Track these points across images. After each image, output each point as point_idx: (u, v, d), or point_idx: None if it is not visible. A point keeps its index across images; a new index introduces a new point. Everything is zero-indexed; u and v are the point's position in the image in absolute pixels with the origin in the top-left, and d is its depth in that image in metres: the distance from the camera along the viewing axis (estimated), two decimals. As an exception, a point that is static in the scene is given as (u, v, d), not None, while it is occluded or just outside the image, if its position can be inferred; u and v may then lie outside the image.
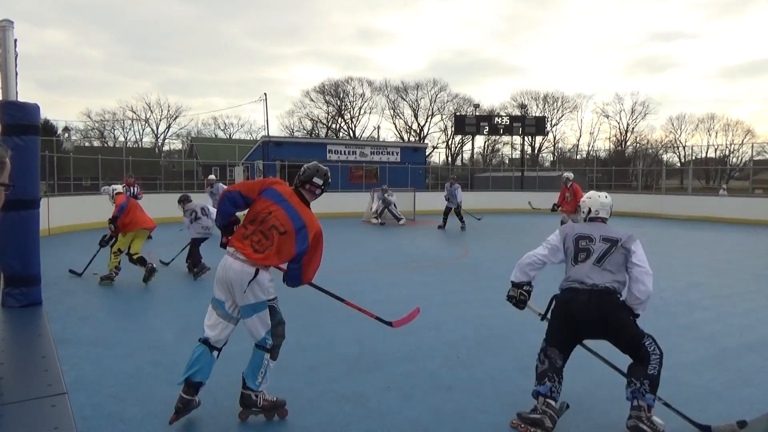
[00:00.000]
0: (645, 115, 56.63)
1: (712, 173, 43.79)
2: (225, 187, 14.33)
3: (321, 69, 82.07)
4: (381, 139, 48.84)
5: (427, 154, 40.52)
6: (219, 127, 59.04)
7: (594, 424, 3.32)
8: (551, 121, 55.04)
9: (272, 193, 3.27)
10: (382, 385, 3.92)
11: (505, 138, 49.58)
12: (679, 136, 55.56)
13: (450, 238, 13.85)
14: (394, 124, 58.40)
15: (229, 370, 3.69)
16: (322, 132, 56.34)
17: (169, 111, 55.46)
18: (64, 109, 78.39)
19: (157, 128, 55.35)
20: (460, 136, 51.23)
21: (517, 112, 49.92)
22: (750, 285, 7.77)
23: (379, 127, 56.83)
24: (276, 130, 53.15)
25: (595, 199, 3.69)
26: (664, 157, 53.06)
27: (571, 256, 3.59)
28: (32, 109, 2.69)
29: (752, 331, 5.39)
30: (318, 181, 3.42)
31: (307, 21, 75.81)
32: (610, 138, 58.41)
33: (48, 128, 35.39)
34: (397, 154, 31.08)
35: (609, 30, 75.29)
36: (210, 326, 3.24)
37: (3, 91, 2.74)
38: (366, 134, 55.77)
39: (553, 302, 3.54)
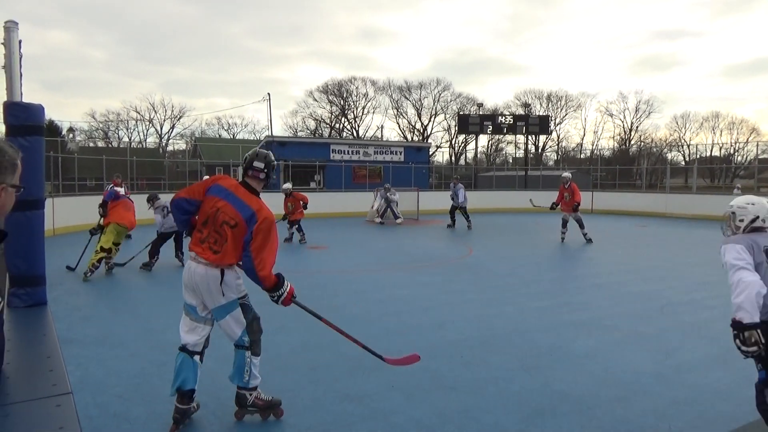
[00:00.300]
0: (649, 113, 56.59)
1: (717, 172, 43.61)
2: None
3: (324, 69, 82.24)
4: (384, 139, 48.84)
5: (430, 153, 40.49)
6: (223, 128, 59.23)
7: (597, 424, 3.31)
8: (555, 120, 54.96)
9: (217, 190, 3.20)
10: (386, 384, 3.92)
11: (509, 137, 49.51)
12: (684, 134, 55.50)
13: (453, 238, 13.84)
14: (398, 123, 58.46)
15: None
16: (326, 132, 56.40)
17: (172, 111, 55.73)
18: (69, 110, 78.78)
19: (161, 128, 55.60)
20: (463, 136, 51.25)
21: (520, 111, 49.92)
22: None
23: (382, 127, 57.10)
24: (279, 130, 53.33)
25: (763, 205, 3.11)
26: (669, 155, 52.93)
27: (766, 271, 2.89)
28: (37, 110, 2.70)
29: (757, 330, 5.36)
30: (258, 164, 3.27)
31: (310, 21, 75.93)
32: (614, 137, 58.36)
33: (53, 129, 35.58)
34: (400, 154, 31.06)
35: (612, 28, 75.18)
36: (186, 332, 3.22)
37: (8, 92, 2.75)
38: (369, 134, 55.86)
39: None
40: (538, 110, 53.95)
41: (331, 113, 57.42)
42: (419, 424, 3.31)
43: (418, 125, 57.30)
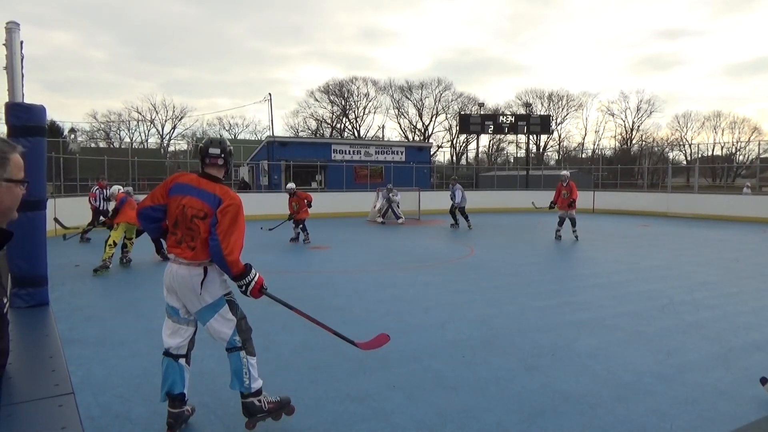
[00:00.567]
0: (651, 113, 56.57)
1: (719, 171, 43.54)
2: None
3: (325, 69, 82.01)
4: (386, 139, 48.88)
5: (431, 153, 40.50)
6: (224, 128, 59.15)
7: (599, 424, 3.31)
8: (556, 119, 54.95)
9: (178, 188, 3.12)
10: (387, 384, 3.92)
11: (510, 137, 49.58)
12: (685, 134, 55.49)
13: (455, 238, 13.84)
14: (399, 123, 58.48)
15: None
16: (327, 132, 56.41)
17: (174, 112, 55.67)
18: (70, 111, 78.64)
19: (163, 129, 55.59)
20: (464, 135, 51.27)
21: (521, 111, 49.83)
22: (757, 284, 7.73)
23: (383, 127, 56.91)
24: (281, 130, 53.36)
25: None
26: (670, 155, 52.88)
27: None
28: (39, 111, 2.70)
29: (759, 329, 5.36)
30: (215, 150, 3.16)
31: (311, 21, 75.90)
32: (615, 136, 58.31)
33: (54, 130, 35.60)
34: (401, 154, 31.04)
35: (613, 28, 75.04)
36: (169, 335, 3.16)
37: (10, 93, 2.76)
38: (371, 134, 55.89)
39: None
40: (540, 110, 53.98)
41: (333, 113, 57.48)
42: (420, 424, 3.31)
43: (420, 125, 57.38)
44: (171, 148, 54.62)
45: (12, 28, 2.76)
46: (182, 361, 3.18)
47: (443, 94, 55.84)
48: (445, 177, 34.94)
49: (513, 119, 31.03)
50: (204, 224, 3.01)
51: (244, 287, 3.09)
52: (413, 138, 55.54)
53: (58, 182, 17.74)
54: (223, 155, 3.18)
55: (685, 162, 49.78)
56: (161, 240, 3.36)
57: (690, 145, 51.69)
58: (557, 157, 57.29)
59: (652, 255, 10.53)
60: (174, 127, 55.85)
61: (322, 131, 56.64)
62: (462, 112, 45.45)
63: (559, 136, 57.73)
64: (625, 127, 57.10)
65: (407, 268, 9.13)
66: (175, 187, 3.13)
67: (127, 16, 68.61)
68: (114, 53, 70.28)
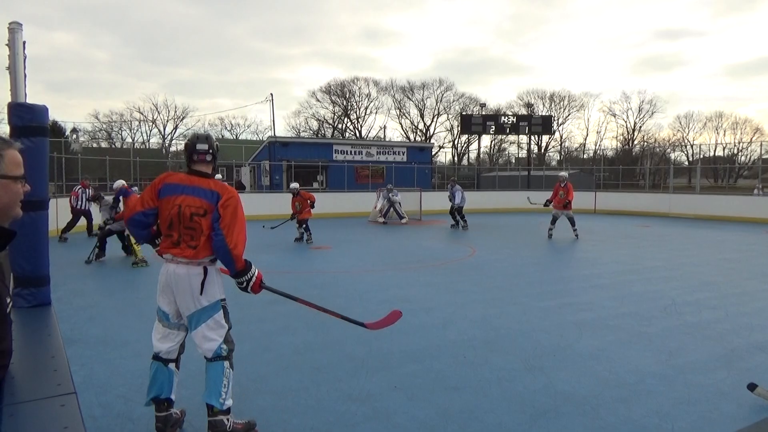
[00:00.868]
0: (652, 113, 56.48)
1: (721, 172, 43.49)
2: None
3: (327, 69, 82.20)
4: (387, 139, 48.84)
5: (433, 153, 40.50)
6: (226, 128, 59.23)
7: (601, 425, 3.30)
8: (558, 120, 54.90)
9: (170, 188, 3.02)
10: (389, 384, 3.92)
11: (512, 137, 49.35)
12: (687, 134, 55.37)
13: (456, 238, 13.83)
14: (400, 123, 58.45)
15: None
16: (329, 132, 56.41)
17: (176, 112, 55.71)
18: (72, 111, 78.74)
19: (164, 129, 55.62)
20: (466, 136, 51.16)
21: (523, 112, 49.90)
22: (759, 284, 7.71)
23: (385, 127, 56.85)
24: (282, 131, 53.32)
25: None
26: (672, 155, 52.84)
27: None
28: (41, 111, 2.70)
29: (761, 330, 5.35)
30: (202, 146, 3.09)
31: (313, 21, 75.97)
32: (617, 137, 58.27)
33: (56, 130, 35.66)
34: (403, 154, 31.06)
35: (615, 28, 75.08)
36: (159, 340, 3.09)
37: (12, 93, 2.76)
38: (372, 134, 55.88)
39: None
40: (541, 110, 53.97)
41: (334, 113, 57.49)
42: (422, 424, 3.30)
43: (421, 125, 57.33)
44: (173, 149, 54.67)
45: (15, 28, 2.77)
46: (172, 365, 3.11)
47: (445, 95, 55.89)
48: (446, 177, 34.92)
49: (514, 120, 31.01)
50: (206, 221, 2.95)
51: (245, 283, 3.04)
52: (415, 138, 55.53)
53: (60, 182, 17.77)
54: (210, 150, 3.11)
55: (686, 163, 49.75)
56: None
57: (692, 146, 51.63)
58: (559, 158, 57.30)
59: (654, 256, 10.52)
60: (176, 128, 55.90)
61: (323, 131, 56.66)
62: (463, 113, 45.43)
63: (561, 137, 57.72)
64: (626, 127, 57.07)
65: (409, 269, 9.12)
66: (165, 189, 3.03)
67: (128, 17, 68.77)
68: (116, 54, 70.45)
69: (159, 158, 40.88)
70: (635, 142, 56.20)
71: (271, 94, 38.41)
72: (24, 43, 2.81)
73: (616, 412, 3.46)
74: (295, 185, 12.87)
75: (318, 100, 56.42)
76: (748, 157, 47.19)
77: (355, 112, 57.45)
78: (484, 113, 35.95)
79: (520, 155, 49.13)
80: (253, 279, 3.05)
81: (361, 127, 57.23)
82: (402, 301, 6.47)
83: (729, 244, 12.60)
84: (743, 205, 19.27)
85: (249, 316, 5.58)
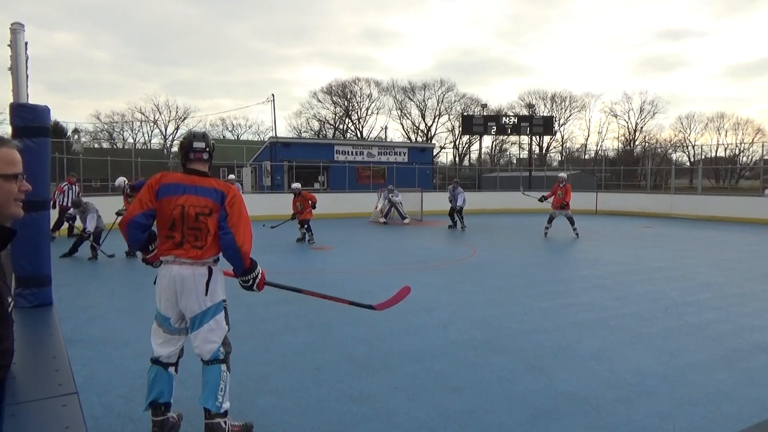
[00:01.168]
0: (654, 114, 56.52)
1: (722, 173, 43.45)
2: (241, 188, 14.63)
3: (328, 70, 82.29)
4: (388, 140, 48.87)
5: (434, 154, 40.47)
6: (227, 129, 59.34)
7: (602, 425, 3.30)
8: (559, 120, 54.90)
9: (169, 188, 2.95)
10: (390, 385, 3.92)
11: (513, 138, 49.52)
12: (689, 135, 55.30)
13: (457, 239, 13.82)
14: (402, 124, 58.52)
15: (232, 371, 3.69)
16: (330, 133, 56.45)
17: (177, 112, 55.90)
18: (74, 111, 79.06)
19: (166, 129, 55.76)
20: (467, 136, 51.15)
21: (524, 112, 49.88)
22: (760, 285, 7.70)
23: (386, 128, 56.88)
24: (283, 131, 53.31)
25: None
26: (673, 156, 52.83)
27: None
28: (43, 111, 2.70)
29: (762, 331, 5.34)
30: (199, 144, 3.04)
31: (314, 22, 76.05)
32: (618, 137, 58.22)
33: (58, 130, 35.69)
34: (404, 155, 31.07)
35: (616, 29, 75.11)
36: (160, 344, 3.04)
37: (14, 94, 2.77)
38: (373, 135, 55.89)
39: None
40: (542, 111, 53.97)
41: (335, 114, 57.55)
42: (423, 424, 3.31)
43: (422, 126, 57.37)
44: (174, 149, 54.75)
45: (17, 29, 2.77)
46: (171, 369, 3.08)
47: (446, 95, 55.92)
48: (448, 178, 34.94)
49: (516, 120, 30.99)
50: (212, 220, 2.92)
51: (251, 281, 3.03)
52: (416, 139, 55.55)
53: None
54: (207, 149, 3.07)
55: (688, 163, 49.73)
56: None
57: (693, 147, 51.61)
58: (560, 159, 57.27)
59: (655, 256, 10.51)
60: (177, 128, 56.00)
61: (324, 132, 56.71)
62: (465, 113, 45.41)
63: (562, 138, 57.76)
64: (628, 128, 57.06)
65: (410, 269, 9.12)
66: (163, 189, 2.95)
67: (129, 17, 68.91)
68: (117, 54, 70.64)
69: (160, 159, 40.94)
70: (636, 143, 56.25)
71: (273, 95, 38.37)
72: (26, 43, 2.82)
73: (617, 413, 3.46)
74: (296, 185, 12.89)
75: (319, 101, 56.56)
76: (750, 157, 47.22)
77: (357, 113, 57.55)
78: (485, 114, 35.96)
79: (521, 156, 49.17)
80: (259, 276, 3.05)
81: (363, 127, 57.34)
82: (403, 301, 6.45)
83: (730, 244, 12.59)
84: (745, 206, 19.24)
85: (250, 316, 5.59)
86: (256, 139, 55.19)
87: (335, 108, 57.09)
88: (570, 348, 4.78)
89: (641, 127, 56.53)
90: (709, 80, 76.23)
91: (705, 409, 3.52)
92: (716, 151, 49.19)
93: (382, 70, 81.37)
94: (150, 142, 55.27)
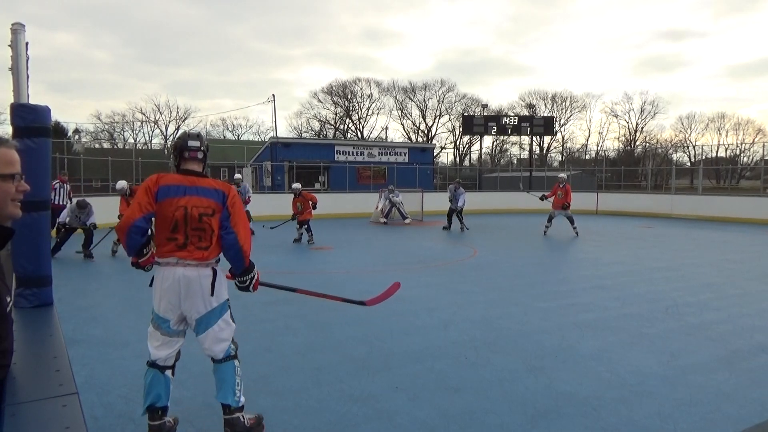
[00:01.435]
0: (654, 114, 56.48)
1: (723, 173, 43.46)
2: (249, 188, 14.57)
3: (328, 70, 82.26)
4: (389, 140, 48.88)
5: (435, 154, 40.48)
6: (227, 129, 59.36)
7: (602, 426, 3.30)
8: (560, 120, 54.88)
9: (170, 190, 2.90)
10: (390, 385, 3.92)
11: (514, 138, 49.45)
12: (689, 135, 55.29)
13: (458, 239, 13.82)
14: (402, 124, 58.51)
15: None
16: (330, 133, 56.45)
17: (177, 113, 55.88)
18: (75, 112, 79.16)
19: (166, 130, 55.76)
20: (468, 137, 51.13)
21: (525, 112, 49.85)
22: (761, 285, 7.70)
23: (387, 128, 56.88)
24: (284, 131, 53.30)
25: None
26: (674, 156, 52.77)
27: None
28: (43, 112, 2.71)
29: (763, 331, 5.34)
30: (194, 143, 3.01)
31: (314, 22, 76.02)
32: (619, 137, 58.22)
33: (58, 130, 35.71)
34: (405, 155, 31.08)
35: (616, 29, 75.03)
36: (157, 347, 2.99)
37: (15, 94, 2.77)
38: (374, 135, 55.89)
39: None
40: (543, 111, 53.94)
41: (336, 114, 57.55)
42: (423, 425, 3.30)
43: (423, 126, 57.36)
44: (174, 149, 54.70)
45: (17, 29, 2.78)
46: (168, 372, 3.04)
47: (446, 96, 55.91)
48: (448, 178, 34.94)
49: (516, 120, 30.97)
50: (215, 221, 2.92)
51: (248, 281, 3.05)
52: (416, 139, 55.55)
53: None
54: (202, 148, 3.05)
55: (689, 164, 49.69)
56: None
57: (694, 147, 51.60)
58: (560, 159, 57.25)
59: (656, 256, 10.50)
60: (178, 128, 55.92)
61: (325, 132, 56.71)
62: (465, 114, 45.37)
63: (563, 138, 57.73)
64: (628, 128, 57.05)
65: (410, 269, 9.12)
66: (163, 190, 2.90)
67: (130, 18, 68.92)
68: (117, 54, 70.63)
69: (161, 159, 40.93)
70: (637, 143, 56.22)
71: (273, 95, 38.39)
72: (27, 43, 2.82)
73: (618, 413, 3.46)
74: (297, 186, 12.88)
75: (320, 101, 56.56)
76: (751, 158, 47.22)
77: (357, 113, 57.54)
78: (485, 114, 35.95)
79: (521, 156, 49.15)
80: (256, 277, 3.07)
81: (363, 127, 57.33)
82: (403, 302, 6.46)
83: (731, 245, 12.58)
84: (745, 206, 19.23)
85: (250, 316, 5.59)
86: (256, 140, 55.20)
87: (336, 108, 57.16)
88: (571, 348, 4.78)
89: (642, 128, 56.59)
90: (709, 80, 76.25)
91: (705, 410, 3.52)
92: (717, 152, 49.20)
93: (382, 71, 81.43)
94: (151, 142, 55.34)
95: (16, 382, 1.48)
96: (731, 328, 5.46)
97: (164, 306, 2.95)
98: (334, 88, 56.14)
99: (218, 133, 58.37)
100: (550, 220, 14.20)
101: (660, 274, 8.51)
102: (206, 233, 2.92)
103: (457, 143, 57.43)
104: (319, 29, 76.90)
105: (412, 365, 4.34)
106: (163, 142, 55.24)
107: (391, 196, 18.12)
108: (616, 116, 57.71)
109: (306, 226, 12.42)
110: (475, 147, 54.44)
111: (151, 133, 55.98)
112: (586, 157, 55.79)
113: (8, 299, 1.50)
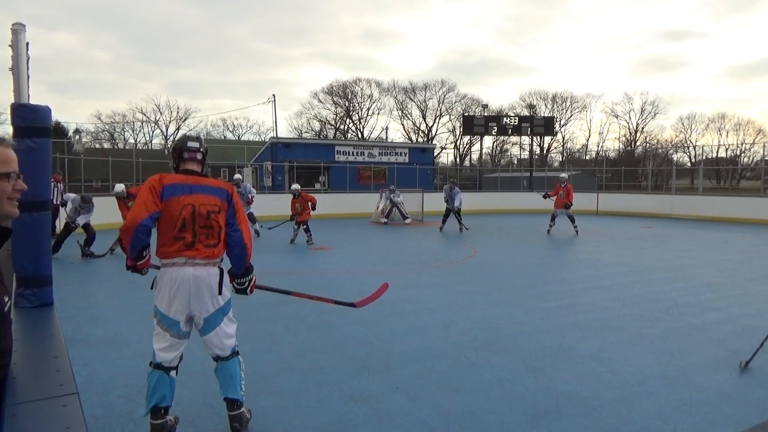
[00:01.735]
0: (655, 114, 56.42)
1: (723, 173, 43.46)
2: (251, 188, 14.54)
3: (329, 70, 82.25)
4: (389, 140, 48.85)
5: (435, 154, 40.48)
6: (228, 129, 59.37)
7: (602, 426, 3.30)
8: (560, 121, 54.83)
9: (176, 188, 2.92)
10: (391, 385, 3.92)
11: (514, 138, 49.45)
12: (690, 135, 55.27)
13: (458, 239, 13.82)
14: (402, 125, 58.47)
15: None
16: (331, 133, 56.45)
17: (178, 113, 55.85)
18: (75, 112, 79.14)
19: (167, 130, 55.75)
20: (468, 137, 51.11)
21: (525, 113, 49.81)
22: (761, 286, 7.69)
23: (387, 128, 56.87)
24: (284, 132, 53.29)
25: None
26: (674, 157, 52.78)
27: None
28: (44, 112, 2.70)
29: (764, 332, 5.31)
30: (193, 144, 3.05)
31: (315, 22, 76.04)
32: (619, 138, 58.19)
33: (59, 130, 35.70)
34: (405, 155, 31.06)
35: (616, 29, 74.99)
36: (164, 349, 2.98)
37: (15, 94, 2.77)
38: (374, 135, 55.87)
39: None
40: (543, 111, 53.89)
41: (336, 114, 57.54)
42: (424, 425, 3.30)
43: (423, 126, 57.36)
44: (175, 149, 54.70)
45: (18, 29, 2.78)
46: (173, 373, 3.05)
47: (447, 96, 55.89)
48: (449, 178, 34.99)
49: (517, 121, 30.97)
50: (222, 218, 2.97)
51: (247, 283, 3.09)
52: (417, 139, 55.54)
53: (63, 183, 17.82)
54: (201, 149, 3.08)
55: (689, 164, 49.68)
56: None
57: (694, 147, 51.60)
58: (561, 159, 57.24)
59: (656, 257, 10.50)
60: (178, 128, 55.98)
61: (325, 132, 56.71)
62: (465, 114, 45.38)
63: (563, 138, 57.68)
64: (629, 128, 57.01)
65: (410, 269, 9.12)
66: (169, 189, 2.90)
67: (130, 18, 68.92)
68: (118, 54, 70.64)
69: (161, 159, 40.92)
70: (637, 144, 56.19)
71: (273, 95, 38.29)
72: (27, 44, 2.82)
73: (618, 414, 3.46)
74: (296, 186, 12.86)
75: (320, 101, 56.55)
76: (751, 158, 47.23)
77: (357, 113, 57.53)
78: (486, 114, 35.92)
79: (522, 156, 49.18)
80: (254, 280, 3.13)
81: (363, 128, 57.31)
82: (404, 302, 6.46)
83: (731, 245, 12.58)
84: (746, 207, 19.22)
85: (251, 317, 5.58)
86: (256, 140, 55.23)
87: (336, 108, 57.16)
88: (571, 348, 4.77)
89: (642, 128, 56.55)
90: (709, 81, 76.21)
91: (706, 410, 3.51)
92: (717, 152, 49.19)
93: (382, 71, 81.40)
94: (151, 142, 55.35)
95: (16, 382, 1.48)
96: (732, 328, 5.46)
97: (175, 308, 2.91)
98: (334, 88, 56.21)
99: (219, 133, 58.42)
100: (553, 219, 14.55)
101: (660, 275, 8.50)
102: (214, 230, 2.95)
103: (458, 143, 57.50)
104: (319, 29, 76.98)
105: (413, 365, 4.34)
106: (163, 142, 55.25)
107: (392, 196, 18.13)
108: (617, 116, 57.75)
109: (305, 227, 12.40)
110: (476, 147, 54.45)
111: (151, 133, 56.03)
112: (587, 158, 55.83)
113: (6, 299, 1.49)
